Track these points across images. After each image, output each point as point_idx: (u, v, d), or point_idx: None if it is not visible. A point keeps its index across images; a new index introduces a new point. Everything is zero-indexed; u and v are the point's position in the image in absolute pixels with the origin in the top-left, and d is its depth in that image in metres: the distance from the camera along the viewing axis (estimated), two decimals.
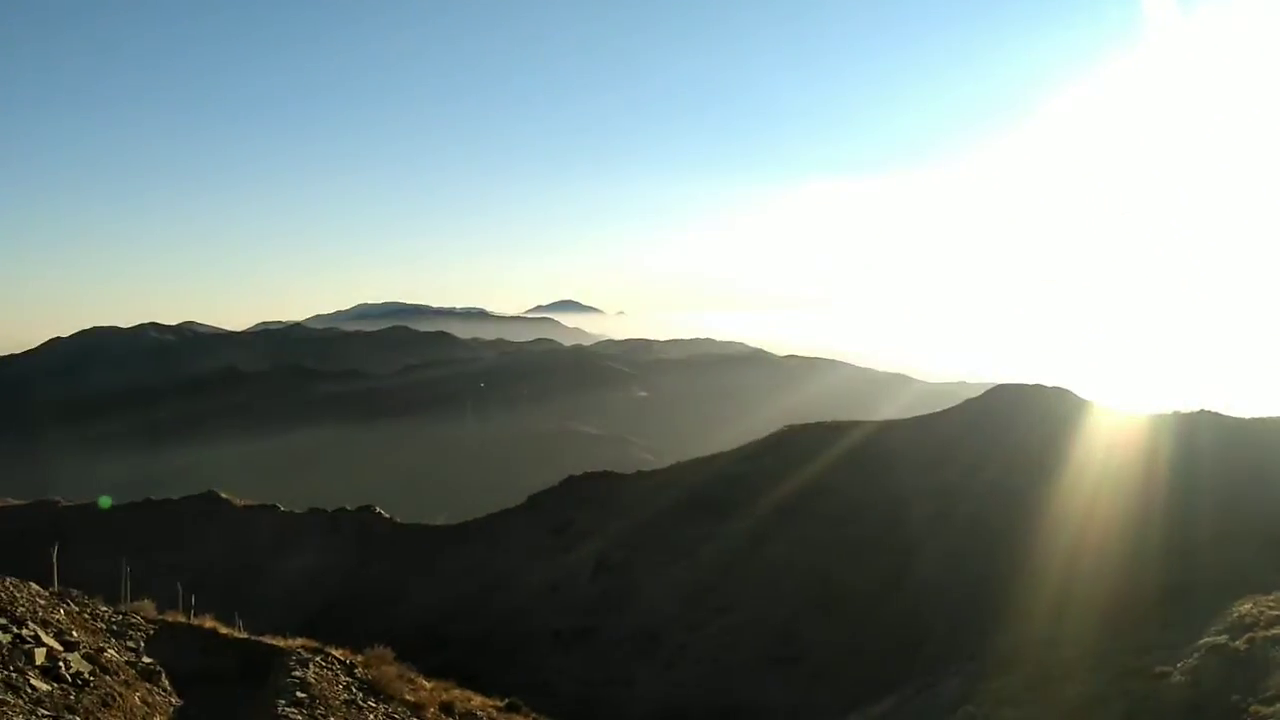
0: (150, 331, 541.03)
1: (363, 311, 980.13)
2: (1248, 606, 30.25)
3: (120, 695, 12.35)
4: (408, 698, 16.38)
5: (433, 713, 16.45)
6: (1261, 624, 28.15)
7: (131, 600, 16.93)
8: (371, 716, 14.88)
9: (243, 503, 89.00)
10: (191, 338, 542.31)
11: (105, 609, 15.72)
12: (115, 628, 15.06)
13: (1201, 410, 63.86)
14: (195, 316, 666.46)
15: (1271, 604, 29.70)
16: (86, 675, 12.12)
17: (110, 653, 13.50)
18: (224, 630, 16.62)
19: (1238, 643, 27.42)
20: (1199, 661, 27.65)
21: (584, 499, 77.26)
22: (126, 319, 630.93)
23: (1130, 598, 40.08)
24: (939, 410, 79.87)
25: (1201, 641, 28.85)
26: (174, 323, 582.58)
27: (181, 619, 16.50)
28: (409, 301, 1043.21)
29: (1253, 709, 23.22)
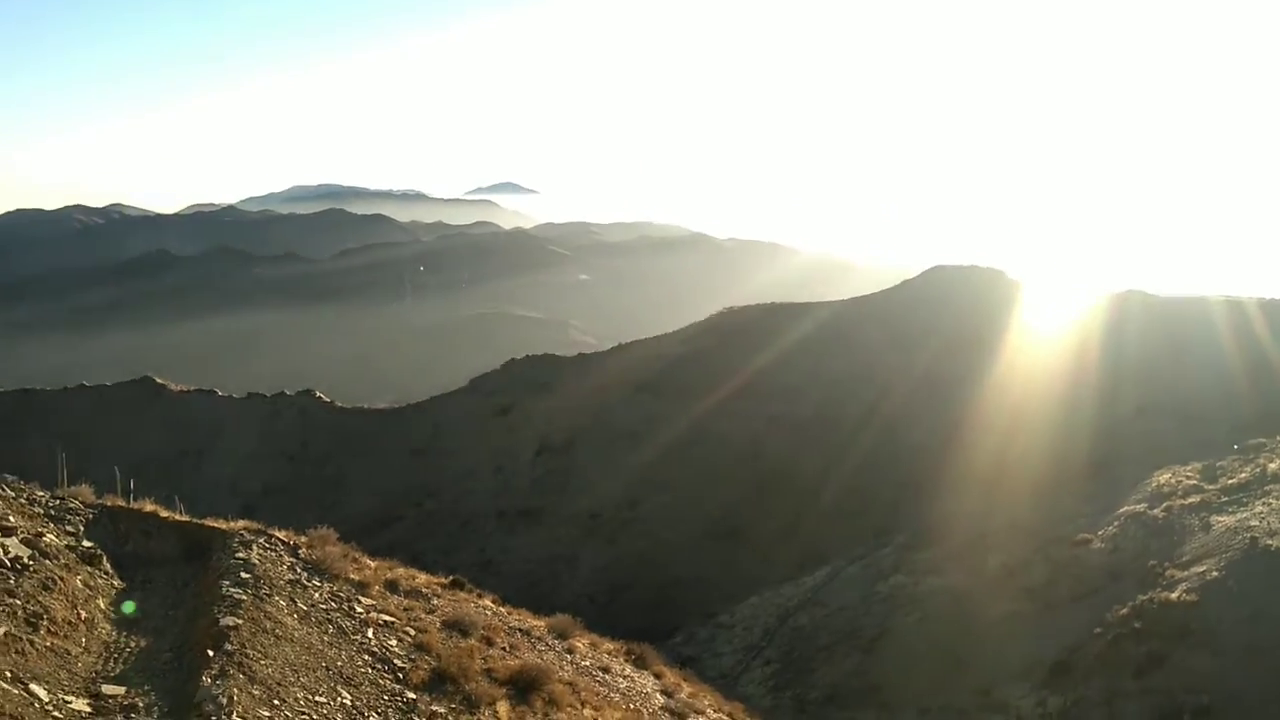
0: (75, 214, 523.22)
1: (297, 194, 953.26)
2: (1166, 477, 31.54)
3: (61, 579, 12.31)
4: (352, 576, 16.49)
5: (377, 590, 16.61)
6: (1179, 493, 29.41)
7: (68, 486, 16.69)
8: (316, 594, 15.00)
9: (179, 388, 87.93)
10: (119, 220, 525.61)
11: (42, 494, 15.48)
12: (53, 513, 14.88)
13: (1130, 290, 65.27)
14: (123, 199, 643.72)
15: (1189, 474, 30.99)
16: (26, 560, 12.04)
17: (49, 537, 13.39)
18: (164, 514, 16.49)
19: (1156, 511, 28.68)
20: (1118, 529, 28.93)
21: (525, 382, 77.45)
22: (50, 201, 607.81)
23: (1057, 470, 41.58)
24: (875, 291, 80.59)
25: (1121, 510, 30.12)
26: (100, 205, 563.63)
27: (121, 503, 16.33)
28: (345, 184, 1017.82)
29: (1169, 572, 24.43)
